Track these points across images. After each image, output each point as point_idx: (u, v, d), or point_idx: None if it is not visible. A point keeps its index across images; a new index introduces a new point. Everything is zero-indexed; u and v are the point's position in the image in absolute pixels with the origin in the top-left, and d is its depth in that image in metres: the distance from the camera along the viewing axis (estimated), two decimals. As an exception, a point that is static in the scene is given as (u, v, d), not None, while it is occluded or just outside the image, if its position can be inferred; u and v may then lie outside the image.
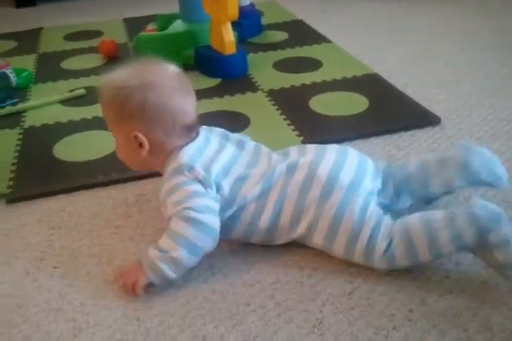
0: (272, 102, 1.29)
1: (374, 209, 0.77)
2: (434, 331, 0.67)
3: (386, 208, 0.81)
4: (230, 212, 0.79)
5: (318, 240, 0.78)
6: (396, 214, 0.79)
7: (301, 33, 1.77)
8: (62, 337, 0.71)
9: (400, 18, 1.88)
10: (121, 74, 0.81)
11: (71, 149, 1.14)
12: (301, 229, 0.78)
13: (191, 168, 0.78)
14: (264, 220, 0.79)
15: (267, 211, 0.79)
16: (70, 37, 1.86)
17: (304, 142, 1.10)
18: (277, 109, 1.25)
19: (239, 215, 0.80)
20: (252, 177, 0.80)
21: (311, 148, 0.85)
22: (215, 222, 0.76)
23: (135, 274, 0.75)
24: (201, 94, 1.32)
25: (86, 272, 0.81)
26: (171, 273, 0.74)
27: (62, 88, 1.43)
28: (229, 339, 0.69)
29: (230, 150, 0.83)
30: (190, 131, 0.82)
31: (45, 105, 1.34)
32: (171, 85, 0.80)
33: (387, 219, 0.77)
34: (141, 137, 0.79)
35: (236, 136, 0.88)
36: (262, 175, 0.80)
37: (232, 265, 0.81)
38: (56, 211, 0.95)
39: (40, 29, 1.96)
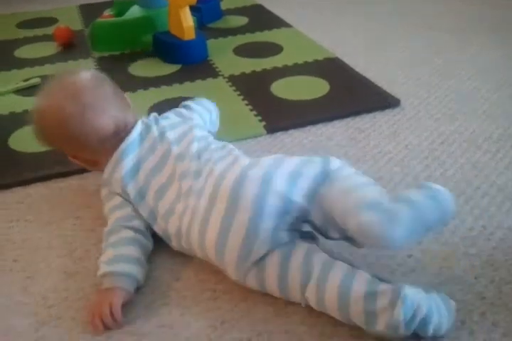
0: (233, 88, 1.28)
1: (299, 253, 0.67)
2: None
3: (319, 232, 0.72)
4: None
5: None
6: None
7: (261, 17, 1.75)
8: (24, 332, 0.69)
9: (361, 1, 1.88)
10: (41, 104, 0.84)
11: (27, 140, 1.09)
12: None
13: (109, 183, 0.81)
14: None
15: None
16: (24, 24, 1.80)
17: (266, 128, 1.09)
18: (239, 95, 1.24)
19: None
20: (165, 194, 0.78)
21: (212, 178, 0.73)
22: (140, 225, 0.77)
23: (103, 300, 0.69)
24: (161, 81, 1.30)
25: (47, 264, 0.79)
26: (125, 268, 0.71)
27: (17, 77, 1.38)
28: (196, 326, 0.68)
29: (154, 159, 0.80)
30: (118, 136, 0.81)
31: (-1, 95, 1.30)
32: (74, 109, 0.78)
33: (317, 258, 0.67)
34: (76, 162, 0.86)
35: (169, 137, 0.82)
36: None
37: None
38: (13, 203, 0.93)
39: (-9, 17, 1.89)
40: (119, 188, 0.80)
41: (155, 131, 0.83)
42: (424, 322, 0.61)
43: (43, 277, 0.77)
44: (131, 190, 0.79)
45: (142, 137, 0.82)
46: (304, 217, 0.70)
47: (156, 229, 0.78)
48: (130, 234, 0.76)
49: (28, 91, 1.31)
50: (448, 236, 0.80)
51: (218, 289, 0.73)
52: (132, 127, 0.83)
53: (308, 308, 0.68)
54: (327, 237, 0.72)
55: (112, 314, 0.68)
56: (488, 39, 1.51)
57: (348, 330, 0.66)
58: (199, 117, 0.92)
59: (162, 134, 0.83)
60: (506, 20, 1.64)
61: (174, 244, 0.76)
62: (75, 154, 0.85)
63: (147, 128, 0.83)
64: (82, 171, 0.99)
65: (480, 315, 0.67)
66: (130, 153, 0.81)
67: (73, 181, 0.98)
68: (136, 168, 0.80)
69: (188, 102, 0.96)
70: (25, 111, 1.21)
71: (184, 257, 0.78)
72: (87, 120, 0.79)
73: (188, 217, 0.72)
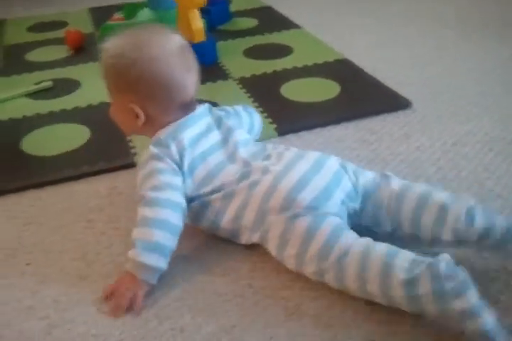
0: (244, 90, 1.28)
1: (332, 222, 0.71)
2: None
3: (368, 230, 0.75)
4: (196, 204, 0.78)
5: (272, 249, 0.75)
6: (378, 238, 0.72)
7: (270, 19, 1.75)
8: (35, 335, 0.69)
9: (369, 2, 1.88)
10: (120, 43, 0.79)
11: (39, 143, 1.11)
12: (256, 237, 0.76)
13: (167, 146, 0.78)
14: (226, 222, 0.77)
15: (228, 213, 0.77)
16: (35, 28, 1.82)
17: (277, 130, 1.09)
18: (249, 97, 1.24)
19: (204, 211, 0.78)
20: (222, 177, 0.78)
21: (289, 152, 0.80)
22: (177, 197, 0.75)
23: (128, 288, 0.71)
24: (171, 84, 1.31)
25: (59, 268, 0.79)
26: (159, 262, 0.72)
27: (28, 81, 1.39)
28: (207, 330, 0.68)
29: (213, 139, 0.82)
30: (187, 108, 0.82)
31: (11, 99, 1.30)
32: (171, 60, 0.78)
33: (351, 235, 0.70)
34: (137, 110, 0.79)
35: (228, 123, 0.84)
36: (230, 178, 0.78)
37: (208, 255, 0.80)
38: (26, 207, 0.93)
39: (3, 21, 1.91)
40: (177, 150, 0.78)
41: (213, 114, 0.85)
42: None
43: (55, 280, 0.77)
44: (189, 155, 0.78)
45: (204, 115, 0.84)
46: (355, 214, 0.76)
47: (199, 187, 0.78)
48: (174, 214, 0.74)
49: (39, 94, 1.32)
50: (461, 238, 0.79)
51: (230, 293, 0.73)
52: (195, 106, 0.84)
53: (322, 309, 0.68)
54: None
55: (130, 305, 0.71)
56: (498, 39, 1.50)
57: (362, 333, 0.66)
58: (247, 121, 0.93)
59: (219, 120, 0.84)
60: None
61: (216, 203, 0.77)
62: (144, 104, 0.79)
63: (206, 110, 0.85)
64: (93, 174, 0.99)
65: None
66: (194, 123, 0.82)
67: (85, 184, 0.98)
68: (197, 138, 0.80)
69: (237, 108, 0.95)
70: (37, 115, 1.22)
71: (198, 260, 0.78)
72: (187, 77, 0.80)
73: (259, 171, 0.77)
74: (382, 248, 0.67)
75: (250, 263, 0.78)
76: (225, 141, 0.83)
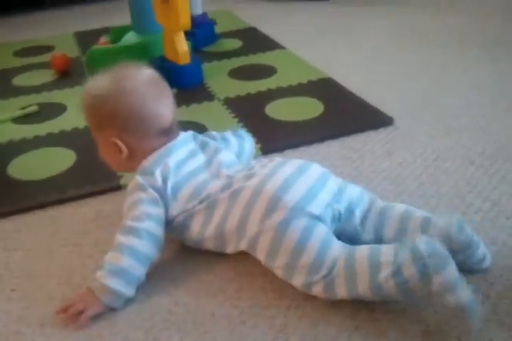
0: (229, 110, 1.29)
1: (321, 234, 0.72)
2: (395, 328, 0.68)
3: (352, 237, 0.78)
4: (180, 217, 0.80)
5: (260, 257, 0.75)
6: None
7: (254, 40, 1.78)
8: (22, 361, 0.69)
9: (352, 20, 1.92)
10: (96, 82, 0.83)
11: (26, 168, 1.11)
12: (244, 244, 0.77)
13: (151, 173, 0.80)
14: (211, 231, 0.78)
15: (213, 222, 0.78)
16: (21, 53, 1.83)
17: (262, 149, 1.11)
18: (234, 117, 1.26)
19: (189, 224, 0.80)
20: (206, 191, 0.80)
21: (272, 162, 0.82)
22: (156, 228, 0.77)
23: (83, 300, 0.73)
24: (157, 106, 1.32)
25: (45, 293, 0.79)
26: (122, 288, 0.73)
27: (14, 105, 1.40)
28: (194, 351, 0.68)
29: (197, 162, 0.84)
30: (167, 133, 0.84)
31: (-4, 124, 1.31)
32: (144, 90, 0.81)
33: (337, 246, 0.72)
34: (119, 144, 0.81)
35: (212, 146, 0.87)
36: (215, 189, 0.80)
37: (195, 276, 0.80)
38: (11, 232, 0.93)
39: (-12, 46, 1.92)
40: (161, 175, 0.80)
41: (197, 140, 0.88)
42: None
43: (41, 306, 0.77)
44: (173, 178, 0.80)
45: (186, 141, 0.86)
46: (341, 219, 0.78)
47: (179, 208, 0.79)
48: (147, 244, 0.76)
49: (25, 119, 1.33)
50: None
51: (217, 313, 0.74)
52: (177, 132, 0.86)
53: (308, 328, 0.68)
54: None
55: (78, 318, 0.72)
56: (482, 54, 1.53)
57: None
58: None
59: (204, 144, 0.87)
60: (500, 35, 1.67)
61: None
62: (123, 136, 0.81)
63: (189, 136, 0.87)
64: (80, 198, 1.00)
65: (477, 331, 0.67)
66: (178, 149, 0.84)
67: (71, 208, 0.98)
68: (181, 163, 0.82)
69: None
70: (23, 139, 1.23)
71: (184, 281, 0.79)
72: (160, 105, 0.82)
73: (242, 179, 0.78)
74: (364, 250, 0.70)
75: (237, 283, 0.78)
76: (209, 162, 0.84)
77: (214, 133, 0.93)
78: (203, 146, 0.87)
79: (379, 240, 0.77)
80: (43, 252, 0.88)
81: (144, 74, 0.84)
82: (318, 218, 0.73)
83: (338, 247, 0.72)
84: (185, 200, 0.80)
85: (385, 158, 1.06)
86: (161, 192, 0.79)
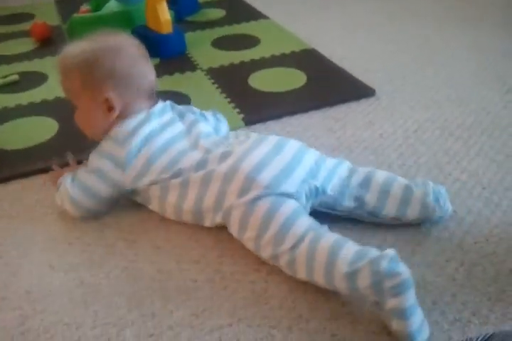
0: (212, 81, 1.29)
1: (289, 208, 0.73)
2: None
3: (331, 206, 0.80)
4: (155, 190, 0.82)
5: (233, 231, 0.77)
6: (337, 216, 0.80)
7: (238, 10, 1.76)
8: (8, 326, 0.70)
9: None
10: (82, 44, 0.84)
11: (8, 137, 1.11)
12: (219, 217, 0.78)
13: (122, 142, 0.81)
14: (188, 206, 0.80)
15: (189, 199, 0.79)
16: (0, 21, 1.79)
17: (244, 120, 1.11)
18: (217, 88, 1.25)
19: (166, 196, 0.81)
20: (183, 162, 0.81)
21: (250, 138, 0.83)
22: (83, 200, 0.84)
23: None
24: (139, 76, 1.31)
25: (30, 260, 0.80)
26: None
27: (-6, 74, 1.38)
28: (178, 314, 0.70)
29: (176, 129, 0.85)
30: (151, 99, 0.87)
31: (-23, 93, 1.29)
32: (134, 51, 0.85)
33: (305, 223, 0.72)
34: (112, 101, 0.82)
35: (191, 117, 0.88)
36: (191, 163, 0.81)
37: (178, 243, 0.82)
38: (-4, 200, 0.93)
39: (-34, 14, 1.88)
40: (132, 142, 0.81)
41: (175, 109, 0.89)
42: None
43: (26, 272, 0.78)
44: (144, 153, 0.81)
45: (164, 111, 0.87)
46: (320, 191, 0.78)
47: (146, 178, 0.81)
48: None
49: (6, 88, 1.31)
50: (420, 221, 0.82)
51: (199, 279, 0.75)
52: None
53: (287, 292, 0.71)
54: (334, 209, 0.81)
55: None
56: (462, 26, 1.53)
57: (325, 313, 0.69)
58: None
59: (182, 114, 0.88)
60: (478, 10, 1.67)
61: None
62: (117, 93, 0.83)
63: (168, 106, 0.89)
64: (64, 166, 1.00)
65: (451, 296, 0.70)
66: (156, 117, 0.85)
67: (54, 177, 0.98)
68: (157, 132, 0.83)
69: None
70: (4, 108, 1.21)
71: (167, 249, 0.80)
72: (147, 67, 0.86)
73: (218, 153, 0.80)
74: (329, 238, 0.69)
75: (219, 249, 0.80)
76: (188, 131, 0.86)
77: (194, 108, 0.94)
78: (181, 116, 0.88)
79: (360, 207, 0.79)
80: (27, 220, 0.88)
81: (128, 38, 0.87)
82: (292, 196, 0.74)
83: (305, 224, 0.72)
84: (158, 172, 0.81)
85: (367, 128, 1.07)
86: (124, 166, 0.81)
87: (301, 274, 0.70)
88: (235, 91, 1.23)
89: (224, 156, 0.79)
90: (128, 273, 0.77)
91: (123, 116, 0.84)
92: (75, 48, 0.84)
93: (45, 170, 0.99)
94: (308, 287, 0.72)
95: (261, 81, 1.27)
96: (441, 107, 1.14)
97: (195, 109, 0.94)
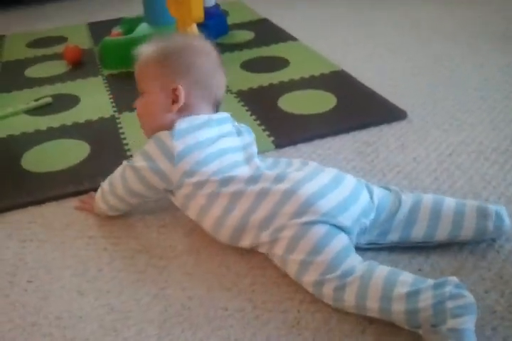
0: (241, 103, 1.29)
1: (343, 241, 0.73)
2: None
3: (371, 244, 0.80)
4: (202, 199, 0.80)
5: (279, 250, 0.75)
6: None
7: (267, 31, 1.77)
8: (39, 353, 0.70)
9: (365, 13, 1.90)
10: (167, 41, 0.88)
11: (39, 160, 1.12)
12: (265, 236, 0.76)
13: (179, 137, 0.80)
14: (234, 217, 0.77)
15: (238, 209, 0.77)
16: (33, 44, 1.83)
17: (275, 143, 1.10)
18: (247, 110, 1.25)
19: (211, 205, 0.78)
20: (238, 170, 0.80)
21: (307, 167, 0.82)
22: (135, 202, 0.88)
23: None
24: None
25: (60, 285, 0.80)
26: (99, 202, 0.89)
27: (28, 97, 1.40)
28: (208, 345, 0.69)
29: (233, 142, 0.84)
30: (214, 107, 0.88)
31: (10, 115, 1.32)
32: (216, 57, 0.88)
33: (357, 258, 0.72)
34: (181, 90, 0.83)
35: (247, 138, 0.87)
36: (246, 175, 0.79)
37: (209, 269, 0.81)
38: (26, 223, 0.94)
39: (2, 37, 1.93)
40: (188, 140, 0.80)
41: (234, 124, 0.89)
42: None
43: (57, 297, 0.78)
44: (196, 156, 0.80)
45: (225, 121, 0.87)
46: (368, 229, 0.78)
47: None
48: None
49: (38, 111, 1.33)
50: (457, 249, 0.80)
51: (230, 307, 0.74)
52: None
53: (320, 323, 0.69)
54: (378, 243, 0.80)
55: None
56: (494, 47, 1.51)
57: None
58: None
59: (240, 132, 0.87)
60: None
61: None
62: (187, 89, 0.83)
63: (229, 117, 0.89)
64: (94, 190, 1.00)
65: (491, 330, 0.67)
66: (216, 125, 0.84)
67: (85, 200, 0.99)
68: (216, 138, 0.83)
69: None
70: (37, 131, 1.23)
71: (197, 275, 0.79)
72: (223, 77, 0.90)
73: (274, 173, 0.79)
74: (384, 268, 0.70)
75: (251, 277, 0.79)
76: (243, 148, 0.85)
77: (250, 129, 0.92)
78: (238, 132, 0.87)
79: (405, 239, 0.79)
80: (57, 244, 0.88)
81: (211, 46, 0.90)
82: (346, 229, 0.74)
83: (357, 259, 0.72)
84: (209, 174, 0.79)
85: (399, 152, 1.06)
86: (173, 159, 0.79)
87: (350, 301, 0.68)
88: (264, 114, 1.23)
89: (279, 178, 0.78)
90: (158, 300, 0.76)
91: (183, 115, 0.83)
92: (160, 43, 0.87)
93: (76, 194, 1.00)
94: (342, 317, 0.70)
95: (290, 103, 1.27)
96: (474, 130, 1.11)
97: (251, 130, 0.91)
